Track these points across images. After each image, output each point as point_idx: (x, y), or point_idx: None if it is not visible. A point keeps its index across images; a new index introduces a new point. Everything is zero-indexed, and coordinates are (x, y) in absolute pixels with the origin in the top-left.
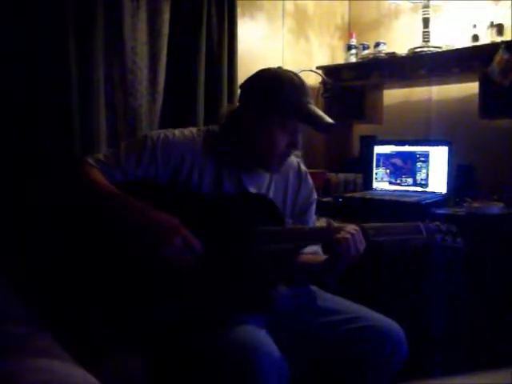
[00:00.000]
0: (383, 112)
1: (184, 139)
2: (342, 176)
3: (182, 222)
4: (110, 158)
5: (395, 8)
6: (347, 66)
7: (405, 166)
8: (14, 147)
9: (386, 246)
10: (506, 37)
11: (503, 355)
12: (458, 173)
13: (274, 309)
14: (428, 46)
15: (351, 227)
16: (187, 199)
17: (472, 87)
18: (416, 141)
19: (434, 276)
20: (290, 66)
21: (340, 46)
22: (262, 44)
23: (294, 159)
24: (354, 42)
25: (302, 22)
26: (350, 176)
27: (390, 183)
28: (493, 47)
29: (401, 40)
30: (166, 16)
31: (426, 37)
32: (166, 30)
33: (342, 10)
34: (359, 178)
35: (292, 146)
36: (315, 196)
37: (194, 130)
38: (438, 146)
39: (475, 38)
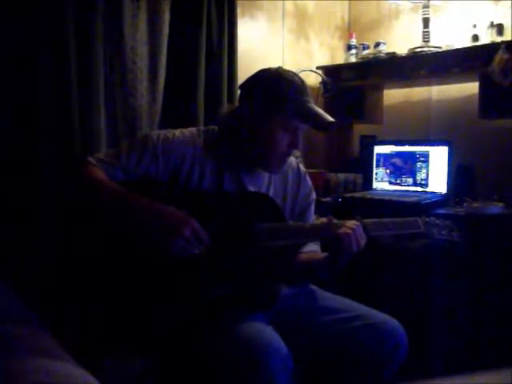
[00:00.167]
0: (383, 112)
1: (184, 139)
2: (341, 176)
3: None
4: (111, 158)
5: (395, 8)
6: (347, 66)
7: (405, 166)
8: (14, 147)
9: (385, 240)
10: (506, 37)
11: (503, 355)
12: (457, 173)
13: (277, 306)
14: (428, 46)
15: (352, 223)
16: (188, 197)
17: (472, 87)
18: (416, 141)
19: (434, 275)
20: (290, 66)
21: (340, 45)
22: (262, 44)
23: (293, 159)
24: (353, 41)
25: (302, 22)
26: (350, 176)
27: (390, 183)
28: (493, 47)
29: (401, 40)
30: (166, 16)
31: (425, 37)
32: (166, 29)
33: (341, 10)
34: (359, 178)
35: (293, 145)
36: (314, 196)
37: (194, 130)
38: (438, 145)
39: (475, 37)
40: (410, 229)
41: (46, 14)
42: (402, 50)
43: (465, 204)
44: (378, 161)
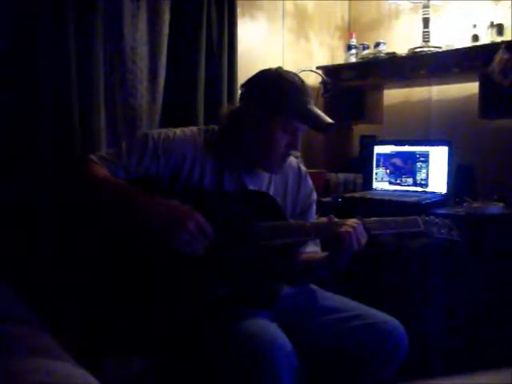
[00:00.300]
0: (383, 112)
1: (185, 138)
2: (341, 176)
3: None
4: (112, 156)
5: (395, 8)
6: (347, 66)
7: (405, 166)
8: (14, 147)
9: (385, 239)
10: (506, 37)
11: (503, 355)
12: (457, 173)
13: (277, 305)
14: (428, 46)
15: (352, 221)
16: (188, 196)
17: (472, 87)
18: (416, 141)
19: (434, 275)
20: (290, 66)
21: (340, 45)
22: (262, 44)
23: (294, 160)
24: (354, 41)
25: (302, 22)
26: (350, 176)
27: (390, 183)
28: (493, 47)
29: (401, 40)
30: (166, 16)
31: (426, 37)
32: (166, 29)
33: (341, 10)
34: (359, 177)
35: (291, 146)
36: (315, 196)
37: (194, 129)
38: (438, 145)
39: (475, 37)
40: (409, 227)
41: (46, 14)
42: (402, 49)
43: (465, 204)
44: (378, 161)
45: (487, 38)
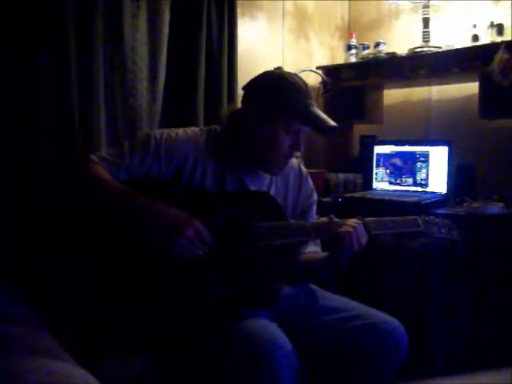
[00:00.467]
0: (383, 112)
1: (187, 139)
2: (341, 176)
3: None
4: (113, 157)
5: (395, 8)
6: (347, 66)
7: (405, 166)
8: (14, 147)
9: (385, 239)
10: (506, 37)
11: (503, 355)
12: (457, 173)
13: (277, 305)
14: (428, 46)
15: (353, 221)
16: (189, 197)
17: (472, 87)
18: (416, 141)
19: (434, 274)
20: (290, 66)
21: (340, 45)
22: (262, 44)
23: (295, 160)
24: (354, 41)
25: (302, 22)
26: (350, 176)
27: (390, 183)
28: (493, 47)
29: (401, 40)
30: (166, 16)
31: (426, 37)
32: (166, 29)
33: (341, 10)
34: (359, 177)
35: (294, 147)
36: (316, 197)
37: (196, 129)
38: (438, 145)
39: (475, 38)
40: (409, 227)
41: (46, 14)
42: (402, 49)
43: (465, 204)
44: (378, 161)
45: (487, 37)
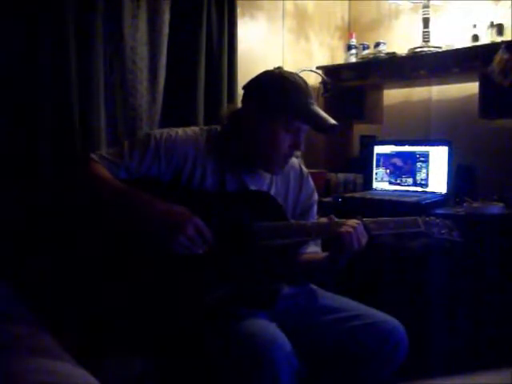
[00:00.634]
0: (383, 112)
1: (187, 138)
2: (341, 176)
3: None
4: (113, 156)
5: (395, 8)
6: (347, 66)
7: (405, 166)
8: (14, 147)
9: (385, 239)
10: (506, 37)
11: (503, 355)
12: (457, 173)
13: (277, 305)
14: (428, 46)
15: (353, 221)
16: (189, 197)
17: (472, 87)
18: (416, 141)
19: (434, 275)
20: (290, 66)
21: (340, 46)
22: (262, 44)
23: (295, 160)
24: (353, 41)
25: (302, 22)
26: (350, 176)
27: (390, 183)
28: (493, 47)
29: (401, 40)
30: (166, 16)
31: (426, 37)
32: (166, 29)
33: (341, 10)
34: (359, 177)
35: (295, 146)
36: (316, 197)
37: (196, 129)
38: (438, 145)
39: (475, 38)
40: (410, 228)
41: (46, 14)
42: (402, 49)
43: (465, 204)
44: (378, 161)
45: (487, 38)
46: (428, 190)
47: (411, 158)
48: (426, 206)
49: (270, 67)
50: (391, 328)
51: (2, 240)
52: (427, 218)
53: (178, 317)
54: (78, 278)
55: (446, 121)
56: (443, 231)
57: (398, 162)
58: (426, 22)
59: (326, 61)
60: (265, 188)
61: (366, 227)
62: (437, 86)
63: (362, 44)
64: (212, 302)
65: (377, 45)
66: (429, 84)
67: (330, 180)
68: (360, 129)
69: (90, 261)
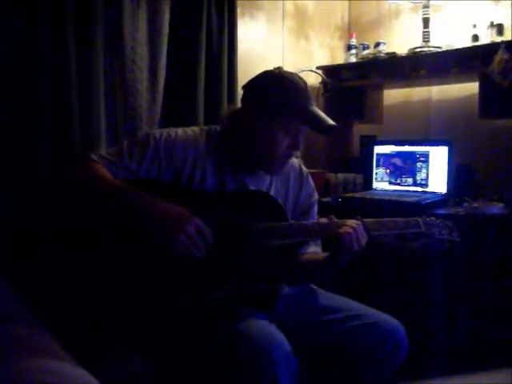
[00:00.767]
0: (383, 112)
1: (187, 138)
2: (341, 176)
3: None
4: (113, 156)
5: (395, 8)
6: (347, 66)
7: (405, 166)
8: (14, 147)
9: (385, 240)
10: (506, 37)
11: (503, 355)
12: (457, 173)
13: (277, 305)
14: (428, 46)
15: (353, 222)
16: (188, 197)
17: (472, 87)
18: (416, 141)
19: (434, 275)
20: (290, 66)
21: (340, 46)
22: (262, 44)
23: (295, 160)
24: (353, 41)
25: (302, 22)
26: (350, 176)
27: (390, 183)
28: (493, 47)
29: (401, 40)
30: (166, 16)
31: (426, 37)
32: (165, 29)
33: (342, 10)
34: (359, 177)
35: (293, 147)
36: (316, 197)
37: (196, 129)
38: (438, 145)
39: (475, 38)
40: (410, 228)
41: (46, 14)
42: (402, 49)
43: (465, 204)
44: (378, 161)
45: (487, 38)
46: (428, 189)
47: (411, 157)
48: (426, 205)
49: (270, 67)
50: (391, 328)
51: (2, 240)
52: (427, 219)
53: (177, 317)
54: (78, 278)
55: (446, 121)
56: (443, 231)
57: (398, 161)
58: (426, 21)
59: (325, 61)
60: (265, 188)
61: (365, 228)
62: (437, 86)
63: (362, 44)
64: (212, 302)
65: (377, 45)
66: (429, 84)
67: (329, 180)
68: (360, 129)
69: (89, 261)
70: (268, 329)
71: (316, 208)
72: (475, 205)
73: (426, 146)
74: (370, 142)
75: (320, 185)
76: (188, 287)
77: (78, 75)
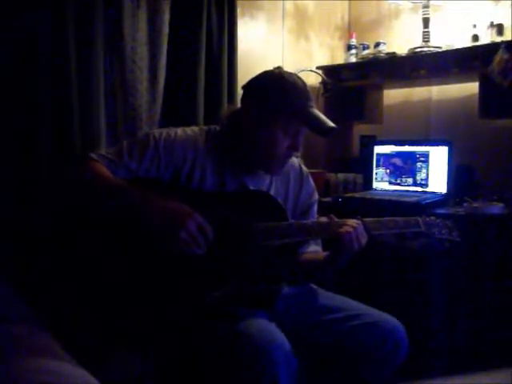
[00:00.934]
0: (383, 112)
1: (187, 138)
2: (341, 176)
3: None
4: (113, 155)
5: (395, 8)
6: (347, 66)
7: (405, 166)
8: (14, 147)
9: (385, 239)
10: (506, 37)
11: (503, 355)
12: (457, 173)
13: (277, 305)
14: (428, 46)
15: (353, 221)
16: (188, 197)
17: (472, 87)
18: (416, 141)
19: (434, 275)
20: (290, 66)
21: (340, 46)
22: (262, 44)
23: (296, 160)
24: (353, 41)
25: (302, 22)
26: (350, 176)
27: (390, 183)
28: (493, 47)
29: (401, 40)
30: (166, 16)
31: (426, 37)
32: (165, 29)
33: (342, 10)
34: (359, 177)
35: (293, 148)
36: (316, 196)
37: (196, 129)
38: (438, 145)
39: (475, 38)
40: (410, 228)
41: (45, 15)
42: (402, 49)
43: (465, 204)
44: (378, 161)
45: (487, 38)
46: (428, 189)
47: (411, 157)
48: (426, 205)
49: (270, 67)
50: (391, 328)
51: (2, 240)
52: (427, 218)
53: (177, 317)
54: (78, 278)
55: (446, 121)
56: (443, 231)
57: (398, 162)
58: (426, 21)
59: (325, 61)
60: (265, 188)
61: (365, 227)
62: (437, 86)
63: (362, 44)
64: (212, 302)
65: (377, 45)
66: (429, 84)
67: (329, 180)
68: (360, 129)
69: (90, 260)
70: (268, 329)
71: (316, 208)
72: (475, 205)
73: (425, 146)
74: (370, 142)
75: (320, 185)
76: (188, 287)
77: (78, 75)
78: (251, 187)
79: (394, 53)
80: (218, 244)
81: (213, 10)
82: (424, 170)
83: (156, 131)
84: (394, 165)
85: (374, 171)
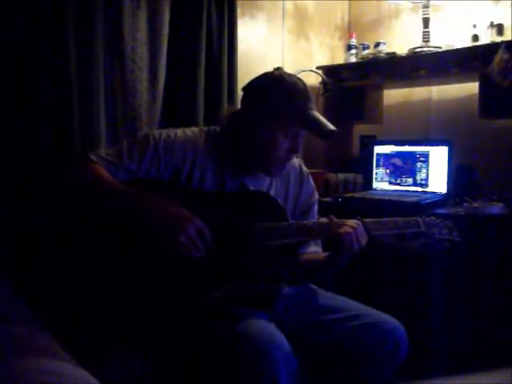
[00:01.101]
0: (383, 112)
1: (186, 139)
2: (341, 176)
3: None
4: (112, 156)
5: (395, 8)
6: (347, 66)
7: (405, 166)
8: (14, 147)
9: (385, 240)
10: (506, 37)
11: (503, 355)
12: (457, 173)
13: (277, 305)
14: (428, 46)
15: (353, 222)
16: (188, 197)
17: (472, 87)
18: (416, 141)
19: (434, 275)
20: (290, 66)
21: (340, 46)
22: (262, 44)
23: (296, 160)
24: (353, 42)
25: (302, 22)
26: (350, 176)
27: (390, 183)
28: (493, 47)
29: (401, 40)
30: (166, 16)
31: (426, 37)
32: (165, 29)
33: (342, 10)
34: (359, 177)
35: (293, 150)
36: (317, 197)
37: (196, 129)
38: (438, 145)
39: (475, 38)
40: (410, 228)
41: (45, 14)
42: (402, 49)
43: (465, 204)
44: (378, 161)
45: (487, 38)
46: (428, 189)
47: (411, 157)
48: (426, 205)
49: (270, 67)
50: (391, 328)
51: (2, 240)
52: (427, 218)
53: (177, 317)
54: (77, 278)
55: (446, 121)
56: (443, 231)
57: (397, 161)
58: (426, 22)
59: (325, 61)
60: (265, 188)
61: (365, 227)
62: (437, 86)
63: (362, 44)
64: (212, 302)
65: (377, 45)
66: (429, 84)
67: (329, 180)
68: (360, 129)
69: (90, 260)
70: (268, 329)
71: (316, 208)
72: (475, 205)
73: (425, 146)
74: (369, 142)
75: (320, 185)
76: (188, 287)
77: (78, 75)
78: (251, 187)
79: (393, 53)
80: (218, 244)
81: (213, 9)
82: (424, 170)
83: (156, 132)
84: (394, 165)
85: (374, 171)
